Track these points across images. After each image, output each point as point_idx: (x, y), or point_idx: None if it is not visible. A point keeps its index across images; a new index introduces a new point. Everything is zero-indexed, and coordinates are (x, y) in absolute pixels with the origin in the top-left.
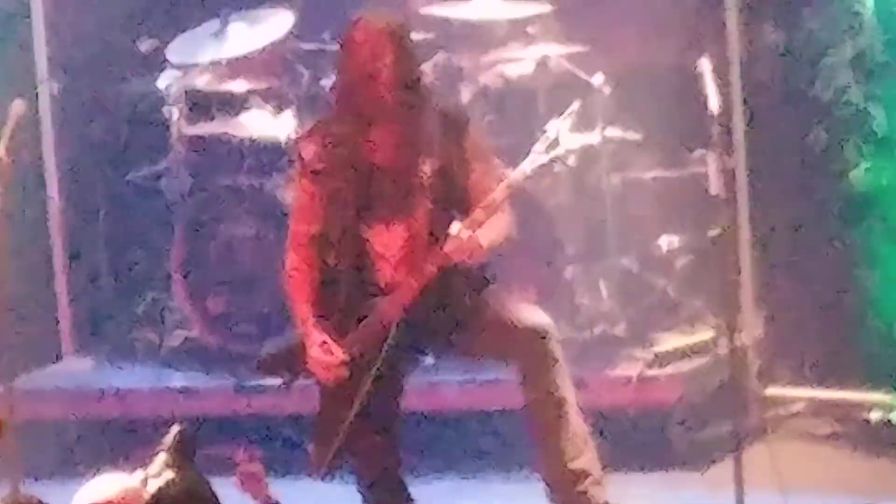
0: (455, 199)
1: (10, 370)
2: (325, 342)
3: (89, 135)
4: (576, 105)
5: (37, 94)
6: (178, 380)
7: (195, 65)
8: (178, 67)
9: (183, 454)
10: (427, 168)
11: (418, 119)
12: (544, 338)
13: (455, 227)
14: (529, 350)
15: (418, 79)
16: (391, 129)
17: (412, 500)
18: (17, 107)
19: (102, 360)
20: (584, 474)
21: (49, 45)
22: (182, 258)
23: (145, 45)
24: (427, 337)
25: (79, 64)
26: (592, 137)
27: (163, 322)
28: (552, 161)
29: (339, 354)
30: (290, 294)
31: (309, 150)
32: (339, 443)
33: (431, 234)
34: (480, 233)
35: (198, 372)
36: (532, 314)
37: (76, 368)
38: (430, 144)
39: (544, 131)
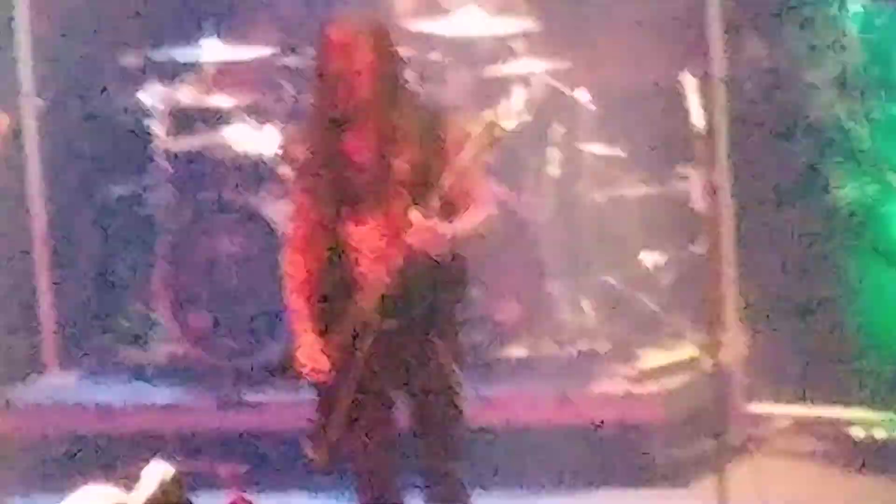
0: (432, 195)
1: None
2: (311, 347)
3: (73, 149)
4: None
5: (21, 108)
6: (161, 395)
7: (179, 80)
8: (162, 81)
9: (173, 494)
10: (404, 165)
11: (396, 117)
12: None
13: (413, 216)
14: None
15: (397, 77)
16: (369, 127)
17: None
18: (1, 121)
19: (85, 375)
20: None
21: (33, 60)
22: (166, 273)
23: (129, 60)
24: (404, 333)
25: (63, 78)
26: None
27: (146, 337)
28: (493, 144)
29: (322, 364)
30: (287, 291)
31: (296, 151)
32: (332, 437)
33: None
34: (447, 222)
35: (181, 387)
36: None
37: (59, 383)
38: (408, 141)
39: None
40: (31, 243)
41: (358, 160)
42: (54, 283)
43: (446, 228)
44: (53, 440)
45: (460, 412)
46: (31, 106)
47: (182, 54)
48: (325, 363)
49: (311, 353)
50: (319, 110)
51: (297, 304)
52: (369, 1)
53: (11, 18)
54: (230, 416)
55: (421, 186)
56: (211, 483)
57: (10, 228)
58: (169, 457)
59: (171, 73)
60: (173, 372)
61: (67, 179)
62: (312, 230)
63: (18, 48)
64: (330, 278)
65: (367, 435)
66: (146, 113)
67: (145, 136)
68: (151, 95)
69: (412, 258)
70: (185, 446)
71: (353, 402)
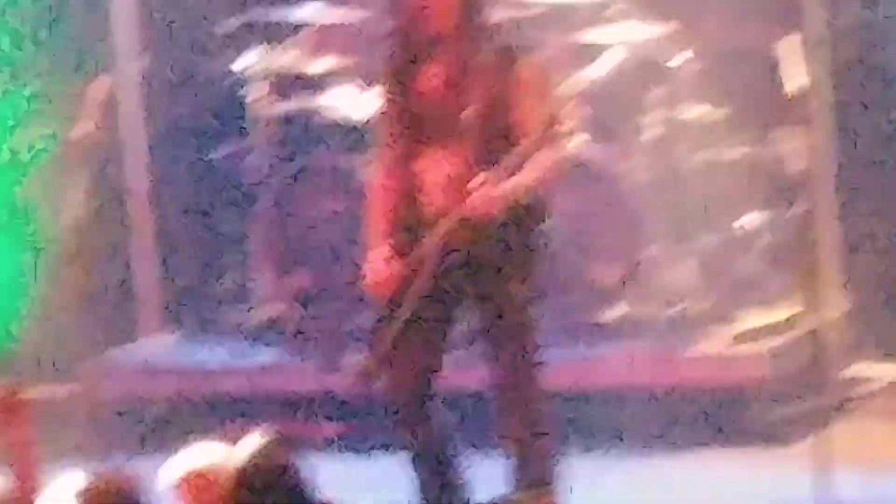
0: (501, 134)
1: (95, 347)
2: (379, 263)
3: (174, 113)
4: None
5: (121, 72)
6: (261, 357)
7: (281, 43)
8: (264, 44)
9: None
10: (476, 102)
11: (473, 54)
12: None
13: (478, 180)
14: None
15: (479, 14)
16: (445, 62)
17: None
18: (102, 84)
19: (186, 337)
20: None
21: (134, 24)
22: (265, 236)
23: (230, 23)
24: (464, 286)
25: (164, 42)
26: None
27: (246, 299)
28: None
29: (397, 269)
30: (369, 208)
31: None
32: (379, 354)
33: (476, 167)
34: (506, 181)
35: (281, 349)
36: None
37: (160, 345)
38: (483, 79)
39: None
40: (132, 206)
41: (429, 94)
42: (154, 246)
43: (507, 188)
44: (154, 403)
45: (535, 350)
46: (132, 70)
47: (284, 17)
48: (388, 279)
49: (377, 268)
50: (397, 42)
51: (373, 222)
52: None
53: None
54: (330, 377)
55: (490, 126)
56: (311, 445)
57: (110, 192)
58: (269, 418)
59: (273, 35)
60: (273, 333)
61: (168, 143)
62: (393, 159)
63: (119, 12)
64: (404, 208)
65: (407, 358)
66: (247, 76)
67: (246, 100)
68: (253, 58)
69: (473, 223)
70: (284, 408)
71: (404, 326)
